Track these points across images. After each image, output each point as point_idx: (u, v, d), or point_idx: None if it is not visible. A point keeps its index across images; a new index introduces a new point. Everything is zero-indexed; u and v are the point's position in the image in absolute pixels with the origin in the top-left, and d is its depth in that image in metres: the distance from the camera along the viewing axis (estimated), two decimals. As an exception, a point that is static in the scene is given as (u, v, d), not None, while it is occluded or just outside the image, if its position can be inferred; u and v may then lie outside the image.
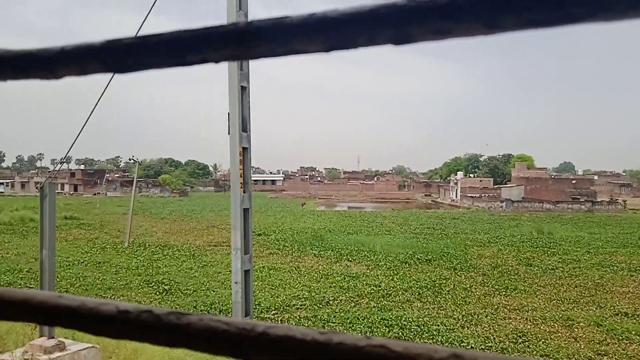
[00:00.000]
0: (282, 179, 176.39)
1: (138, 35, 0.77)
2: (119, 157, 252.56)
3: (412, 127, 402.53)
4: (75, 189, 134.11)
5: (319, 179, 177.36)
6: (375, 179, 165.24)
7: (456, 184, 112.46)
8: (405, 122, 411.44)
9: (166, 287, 26.18)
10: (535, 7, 0.58)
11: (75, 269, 29.86)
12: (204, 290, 25.90)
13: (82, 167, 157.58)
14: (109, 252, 36.38)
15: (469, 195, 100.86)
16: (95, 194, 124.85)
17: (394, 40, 0.66)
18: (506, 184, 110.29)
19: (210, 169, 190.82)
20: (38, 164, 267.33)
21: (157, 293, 25.36)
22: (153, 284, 26.88)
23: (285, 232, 49.06)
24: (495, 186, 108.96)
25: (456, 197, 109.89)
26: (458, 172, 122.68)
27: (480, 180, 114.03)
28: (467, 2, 0.60)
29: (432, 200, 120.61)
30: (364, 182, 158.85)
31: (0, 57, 0.84)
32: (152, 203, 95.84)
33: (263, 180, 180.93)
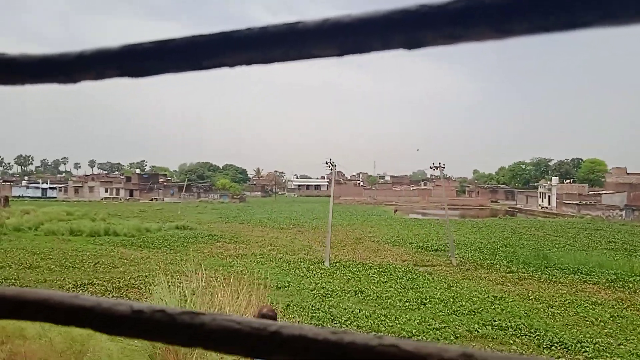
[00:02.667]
0: (326, 184, 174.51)
1: (154, 40, 0.82)
2: (144, 160, 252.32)
3: (423, 131, 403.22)
4: (131, 194, 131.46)
5: (362, 183, 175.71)
6: (422, 184, 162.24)
7: (549, 190, 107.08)
8: (415, 126, 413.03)
9: (540, 336, 19.91)
10: (545, 13, 0.60)
11: (348, 302, 24.50)
12: (585, 338, 19.67)
13: (137, 171, 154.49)
14: (332, 276, 30.44)
15: (568, 202, 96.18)
16: (152, 199, 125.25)
17: (407, 45, 0.69)
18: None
19: (251, 173, 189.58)
20: (62, 167, 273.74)
21: (541, 346, 19.06)
22: (496, 327, 20.96)
23: (460, 247, 42.63)
24: (591, 192, 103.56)
25: (549, 204, 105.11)
26: (552, 178, 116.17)
27: (580, 186, 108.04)
28: (478, 7, 0.62)
29: (509, 207, 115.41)
30: (417, 187, 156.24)
31: (19, 61, 0.88)
32: (228, 210, 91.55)
33: (307, 185, 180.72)
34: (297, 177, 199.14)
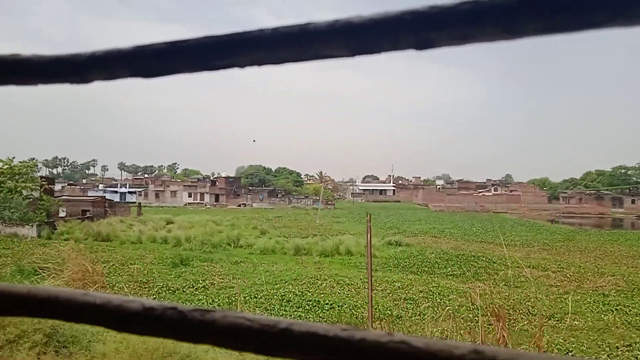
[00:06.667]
0: (392, 188, 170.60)
1: (166, 40, 0.86)
2: (175, 163, 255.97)
3: (435, 136, 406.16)
4: (217, 199, 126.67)
5: (440, 188, 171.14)
6: (493, 189, 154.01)
7: None
8: (425, 130, 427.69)
9: None
10: (556, 13, 0.62)
11: None
12: None
13: (224, 174, 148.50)
14: None
15: None
16: (239, 205, 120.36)
17: (417, 46, 0.73)
18: None
19: (311, 177, 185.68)
20: (90, 170, 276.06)
21: None
22: None
23: None
24: None
25: None
26: None
27: None
28: (488, 8, 0.65)
29: (637, 216, 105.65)
30: (484, 192, 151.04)
31: (32, 62, 0.93)
32: (350, 217, 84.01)
33: (371, 189, 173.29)
34: (361, 182, 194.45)
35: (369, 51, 0.76)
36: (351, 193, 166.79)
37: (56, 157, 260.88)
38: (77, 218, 54.91)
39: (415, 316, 21.33)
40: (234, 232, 47.79)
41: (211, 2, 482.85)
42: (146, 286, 25.38)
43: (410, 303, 23.67)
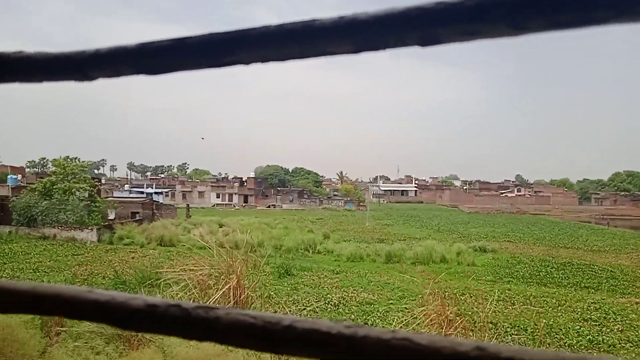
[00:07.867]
0: (414, 189, 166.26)
1: (171, 38, 0.85)
2: (186, 163, 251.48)
3: (434, 135, 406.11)
4: (245, 200, 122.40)
5: (466, 189, 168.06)
6: (516, 190, 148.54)
7: None
8: (424, 129, 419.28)
9: None
10: (562, 9, 0.62)
11: None
12: None
13: (252, 175, 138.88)
14: None
15: None
16: (269, 206, 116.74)
17: (422, 42, 0.73)
18: None
19: (321, 176, 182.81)
20: (100, 170, 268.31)
21: None
22: None
23: None
24: None
25: None
26: None
27: None
28: (494, 4, 0.64)
29: None
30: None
31: (36, 59, 0.93)
32: (394, 219, 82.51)
33: (392, 190, 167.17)
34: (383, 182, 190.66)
35: (374, 47, 0.76)
36: (373, 194, 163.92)
37: (67, 156, 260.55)
38: (129, 220, 52.71)
39: (625, 343, 19.11)
40: (308, 237, 45.26)
41: (212, 2, 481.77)
42: (273, 301, 22.64)
43: (598, 325, 21.44)
